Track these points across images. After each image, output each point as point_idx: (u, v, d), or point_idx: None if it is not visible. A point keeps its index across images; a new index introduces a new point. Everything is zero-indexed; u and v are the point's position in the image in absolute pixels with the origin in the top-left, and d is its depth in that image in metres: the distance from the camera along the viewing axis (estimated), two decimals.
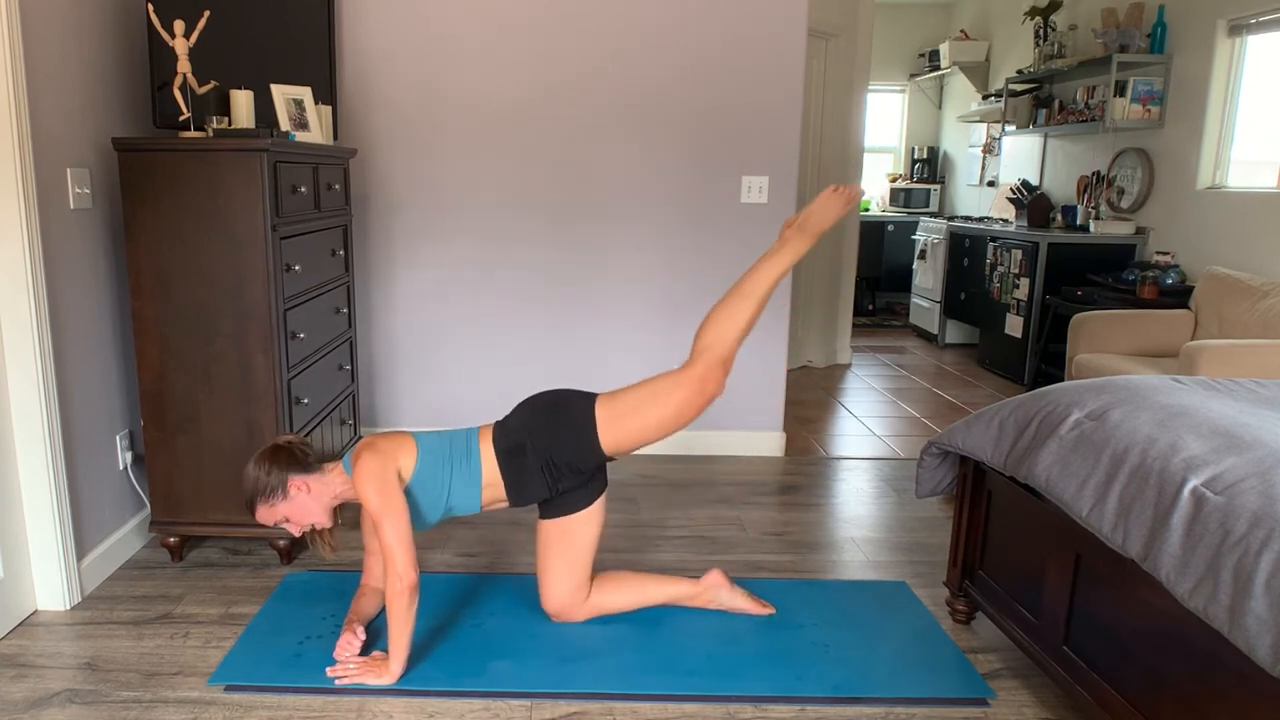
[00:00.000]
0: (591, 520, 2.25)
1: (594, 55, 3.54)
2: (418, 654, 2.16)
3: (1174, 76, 4.71)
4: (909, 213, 7.88)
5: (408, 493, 2.11)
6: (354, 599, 2.31)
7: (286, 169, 2.60)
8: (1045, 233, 5.16)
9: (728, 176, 3.65)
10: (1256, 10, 4.12)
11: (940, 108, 8.11)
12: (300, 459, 2.10)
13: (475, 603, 2.45)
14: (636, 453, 3.81)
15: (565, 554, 2.25)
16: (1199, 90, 4.50)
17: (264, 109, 2.82)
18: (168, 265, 2.49)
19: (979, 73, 7.03)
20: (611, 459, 2.21)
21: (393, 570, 1.98)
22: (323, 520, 2.12)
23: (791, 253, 2.21)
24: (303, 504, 2.09)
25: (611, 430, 2.15)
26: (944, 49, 7.12)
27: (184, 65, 2.50)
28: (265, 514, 2.09)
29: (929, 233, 6.84)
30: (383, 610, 2.32)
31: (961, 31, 7.30)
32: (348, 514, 3.03)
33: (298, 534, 2.14)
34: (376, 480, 2.01)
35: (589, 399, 2.19)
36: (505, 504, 2.22)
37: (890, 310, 8.20)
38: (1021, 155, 6.48)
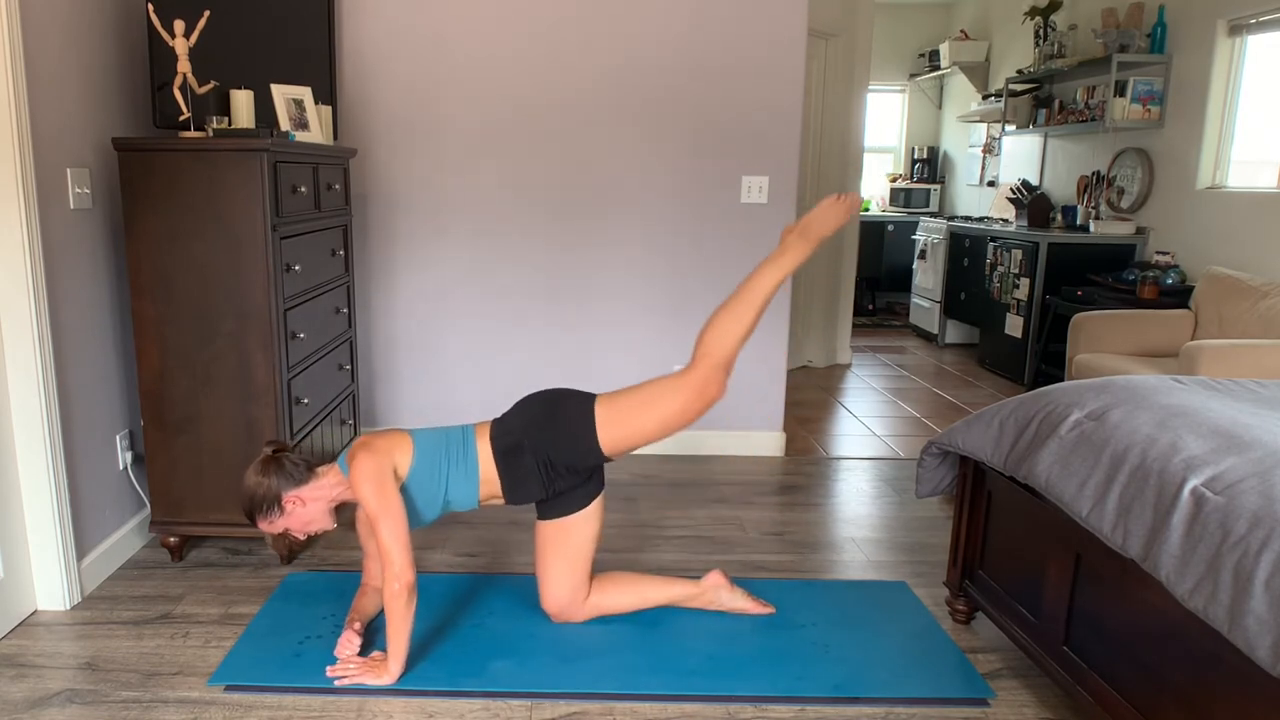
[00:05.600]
0: (589, 520, 2.25)
1: (593, 55, 3.54)
2: (417, 654, 2.16)
3: (1174, 76, 4.71)
4: (909, 213, 7.88)
5: (405, 490, 2.12)
6: (355, 598, 2.31)
7: (286, 169, 2.60)
8: (1045, 233, 5.16)
9: (728, 176, 3.64)
10: (1256, 10, 4.12)
11: (940, 108, 8.10)
12: (290, 472, 2.10)
13: (475, 603, 2.45)
14: (636, 452, 3.81)
15: (564, 554, 2.25)
16: (1199, 90, 4.50)
17: (264, 109, 2.82)
18: (168, 265, 2.49)
19: (979, 73, 7.03)
20: (610, 459, 2.22)
21: (390, 570, 1.98)
22: (324, 524, 2.16)
23: (793, 257, 2.23)
24: (300, 516, 2.12)
25: (611, 431, 2.15)
26: (944, 49, 7.11)
27: (184, 65, 2.50)
28: (267, 527, 2.14)
29: (929, 233, 6.84)
30: (383, 610, 2.32)
31: (961, 31, 7.29)
32: (344, 514, 3.03)
33: (303, 539, 2.19)
34: (373, 480, 2.02)
35: (588, 399, 2.19)
36: (502, 500, 2.23)
37: (890, 310, 8.20)
38: (1021, 155, 6.48)
